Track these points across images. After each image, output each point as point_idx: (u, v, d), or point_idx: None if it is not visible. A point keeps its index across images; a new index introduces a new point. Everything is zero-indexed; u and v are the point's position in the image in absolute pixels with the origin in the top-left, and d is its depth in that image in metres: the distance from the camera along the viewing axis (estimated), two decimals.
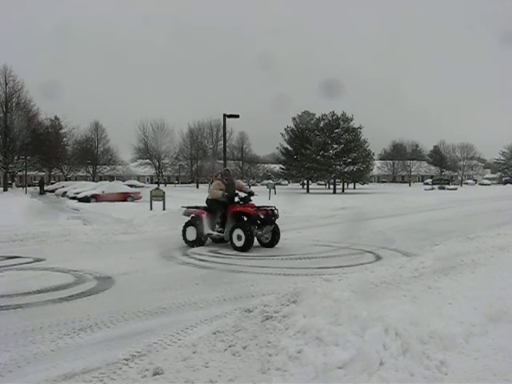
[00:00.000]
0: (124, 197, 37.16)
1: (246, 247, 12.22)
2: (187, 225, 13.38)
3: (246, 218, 12.89)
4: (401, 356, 4.29)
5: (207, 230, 13.16)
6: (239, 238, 12.31)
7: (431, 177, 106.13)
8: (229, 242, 12.66)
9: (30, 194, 47.80)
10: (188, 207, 14.23)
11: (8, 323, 6.13)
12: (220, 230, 13.01)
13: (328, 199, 38.28)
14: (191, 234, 13.20)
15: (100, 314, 6.53)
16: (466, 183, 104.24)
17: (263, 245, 12.93)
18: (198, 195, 47.05)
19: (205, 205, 13.60)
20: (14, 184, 61.59)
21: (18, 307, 6.91)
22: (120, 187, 41.53)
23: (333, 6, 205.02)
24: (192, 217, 13.56)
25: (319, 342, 4.36)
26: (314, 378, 3.97)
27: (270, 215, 12.83)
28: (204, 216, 13.26)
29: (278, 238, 12.99)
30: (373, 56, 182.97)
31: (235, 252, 12.01)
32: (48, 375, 4.52)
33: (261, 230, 12.79)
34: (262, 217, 12.69)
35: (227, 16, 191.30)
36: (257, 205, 13.20)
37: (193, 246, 12.87)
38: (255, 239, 12.64)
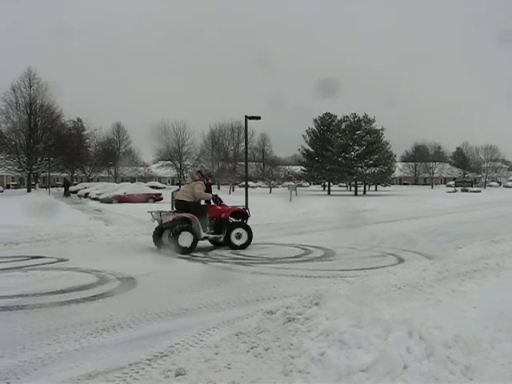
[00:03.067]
0: (145, 198, 37.40)
1: (247, 245, 12.79)
2: (179, 231, 12.12)
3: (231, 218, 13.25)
4: (425, 360, 4.25)
5: (203, 234, 12.69)
6: (239, 236, 12.75)
7: (454, 179, 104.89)
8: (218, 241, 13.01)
9: (54, 195, 48.27)
10: (161, 212, 13.11)
11: (33, 322, 6.19)
12: (212, 231, 12.97)
13: (349, 201, 38.13)
14: (187, 239, 12.17)
15: (123, 314, 6.57)
16: (490, 185, 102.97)
17: (218, 244, 13.18)
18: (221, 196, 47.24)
19: (170, 208, 13.58)
20: (37, 185, 62.21)
21: (42, 307, 6.98)
22: (142, 188, 41.82)
23: (357, 5, 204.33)
24: (183, 221, 12.44)
25: (342, 344, 4.33)
26: (336, 380, 3.95)
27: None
28: (196, 219, 12.50)
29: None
30: (397, 57, 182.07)
31: (257, 253, 12.01)
32: (72, 374, 4.56)
33: None
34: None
35: (250, 16, 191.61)
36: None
37: (186, 253, 11.94)
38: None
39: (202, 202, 13.20)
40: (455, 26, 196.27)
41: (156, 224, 13.15)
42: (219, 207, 13.27)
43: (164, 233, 12.75)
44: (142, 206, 30.88)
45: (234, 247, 12.69)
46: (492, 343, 4.94)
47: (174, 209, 13.46)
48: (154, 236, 13.02)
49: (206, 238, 12.91)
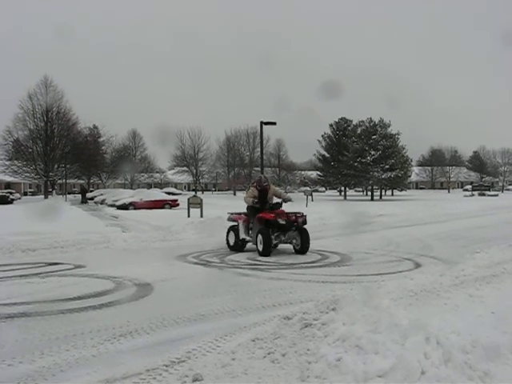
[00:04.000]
0: (162, 204, 37.55)
1: (263, 252, 12.50)
2: (229, 230, 13.96)
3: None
4: (442, 365, 4.21)
5: (242, 235, 13.55)
6: (261, 242, 12.62)
7: (471, 183, 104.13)
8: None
9: (70, 202, 48.54)
10: (232, 213, 14.77)
11: (50, 328, 6.24)
12: (251, 235, 13.39)
13: (365, 206, 38.01)
14: (231, 239, 13.78)
15: (140, 320, 6.59)
16: (508, 189, 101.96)
17: (296, 252, 13.04)
18: (235, 202, 47.31)
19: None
20: (54, 192, 62.60)
21: (59, 313, 7.03)
22: (157, 195, 41.98)
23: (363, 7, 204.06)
24: (232, 222, 14.21)
25: (359, 349, 4.31)
26: None
27: (291, 221, 12.96)
28: (240, 221, 13.74)
29: (307, 243, 12.98)
30: (409, 60, 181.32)
31: (273, 259, 12.02)
32: (89, 380, 4.59)
33: (283, 235, 13.02)
34: (281, 222, 12.83)
35: (262, 19, 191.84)
36: (287, 211, 13.44)
37: (233, 251, 13.44)
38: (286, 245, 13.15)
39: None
40: (473, 27, 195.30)
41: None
42: (268, 212, 13.27)
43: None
44: (158, 212, 31.09)
45: (258, 252, 12.71)
46: (511, 349, 4.89)
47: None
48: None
49: (243, 239, 13.59)
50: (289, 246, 13.38)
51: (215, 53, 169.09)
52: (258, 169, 49.35)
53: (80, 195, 54.11)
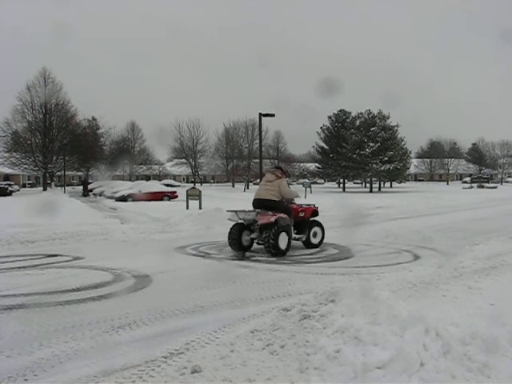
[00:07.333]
0: (160, 196, 37.54)
1: (321, 243, 12.59)
2: (281, 231, 11.26)
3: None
4: (442, 357, 4.21)
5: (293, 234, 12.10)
6: (315, 235, 12.50)
7: (470, 175, 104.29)
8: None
9: (69, 194, 48.43)
10: (237, 211, 12.16)
11: (49, 320, 6.22)
12: (295, 231, 12.30)
13: (364, 198, 38.02)
14: (284, 241, 11.41)
15: (138, 311, 6.58)
16: (507, 181, 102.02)
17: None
18: (234, 194, 47.29)
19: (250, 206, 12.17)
20: (53, 184, 62.52)
21: (58, 304, 7.01)
22: (156, 186, 41.98)
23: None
24: (283, 222, 11.48)
25: (358, 341, 4.31)
26: (352, 378, 3.92)
27: None
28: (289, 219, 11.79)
29: None
30: (409, 52, 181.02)
31: None
32: (88, 371, 4.57)
33: None
34: None
35: (266, 12, 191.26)
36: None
37: (282, 255, 11.27)
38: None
39: None
40: (470, 20, 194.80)
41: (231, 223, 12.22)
42: (295, 206, 12.53)
43: (252, 233, 11.89)
44: (157, 204, 31.08)
45: (311, 246, 12.33)
46: (510, 341, 4.88)
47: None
48: (233, 237, 11.82)
49: (293, 238, 12.05)
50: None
51: (214, 45, 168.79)
52: (257, 161, 49.33)
53: (82, 187, 53.78)
